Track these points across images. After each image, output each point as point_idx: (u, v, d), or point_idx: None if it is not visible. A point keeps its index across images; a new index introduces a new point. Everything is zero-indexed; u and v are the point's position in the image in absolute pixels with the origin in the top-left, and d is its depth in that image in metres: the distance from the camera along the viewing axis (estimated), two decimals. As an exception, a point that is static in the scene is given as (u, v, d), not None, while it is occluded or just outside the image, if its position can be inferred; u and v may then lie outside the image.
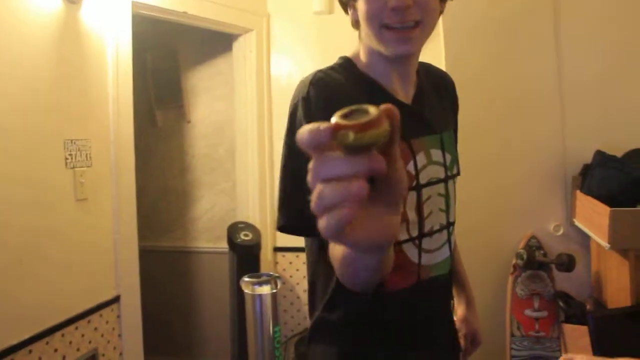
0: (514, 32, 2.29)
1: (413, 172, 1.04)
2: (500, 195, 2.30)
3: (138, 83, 2.60)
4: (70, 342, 2.06)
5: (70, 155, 2.09)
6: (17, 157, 1.87)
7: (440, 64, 2.16)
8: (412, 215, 1.04)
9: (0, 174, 1.81)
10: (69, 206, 2.09)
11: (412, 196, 1.04)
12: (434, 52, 2.12)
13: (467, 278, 1.42)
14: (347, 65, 1.10)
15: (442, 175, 1.10)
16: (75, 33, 2.13)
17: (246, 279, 0.94)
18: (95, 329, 2.18)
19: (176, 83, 3.57)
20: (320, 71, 1.05)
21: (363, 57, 1.10)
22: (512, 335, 2.21)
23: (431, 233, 1.08)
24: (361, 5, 1.01)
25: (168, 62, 3.58)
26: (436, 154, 1.09)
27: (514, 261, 2.23)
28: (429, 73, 1.22)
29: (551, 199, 2.30)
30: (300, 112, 0.98)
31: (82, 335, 2.11)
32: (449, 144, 1.16)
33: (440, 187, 1.10)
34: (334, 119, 0.45)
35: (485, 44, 2.31)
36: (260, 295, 0.93)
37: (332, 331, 1.11)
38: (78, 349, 2.09)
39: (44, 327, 1.94)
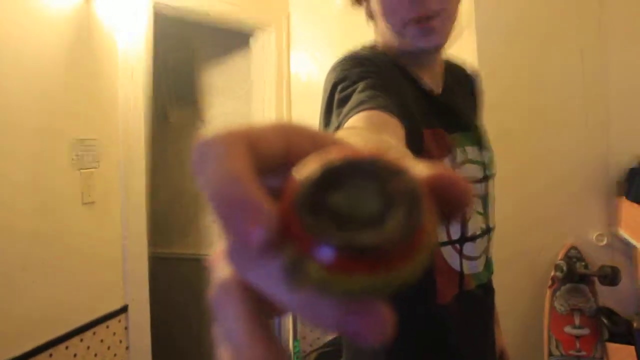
0: (558, 31, 2.22)
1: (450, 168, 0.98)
2: (538, 202, 2.24)
3: (152, 81, 2.59)
4: (75, 355, 2.03)
5: (77, 155, 2.07)
6: (22, 157, 1.86)
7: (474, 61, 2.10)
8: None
9: (4, 175, 1.79)
10: (75, 210, 2.07)
11: None
12: (464, 44, 2.06)
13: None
14: (374, 50, 1.05)
15: (480, 175, 1.06)
16: (85, 29, 2.12)
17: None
18: (102, 340, 2.15)
19: (191, 81, 3.58)
20: (360, 50, 1.02)
21: (384, 48, 1.06)
22: (551, 354, 2.14)
23: (474, 238, 1.02)
24: (376, 1, 0.99)
25: (183, 59, 3.59)
26: (473, 152, 1.05)
27: (552, 273, 2.17)
28: (450, 67, 1.18)
29: (593, 207, 2.23)
30: (340, 70, 0.92)
31: (88, 348, 2.09)
32: (486, 141, 1.12)
33: (479, 188, 1.06)
34: (300, 186, 0.22)
35: (525, 43, 2.24)
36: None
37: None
38: (83, 362, 2.07)
39: (48, 339, 1.91)
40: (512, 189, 2.13)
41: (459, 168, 1.01)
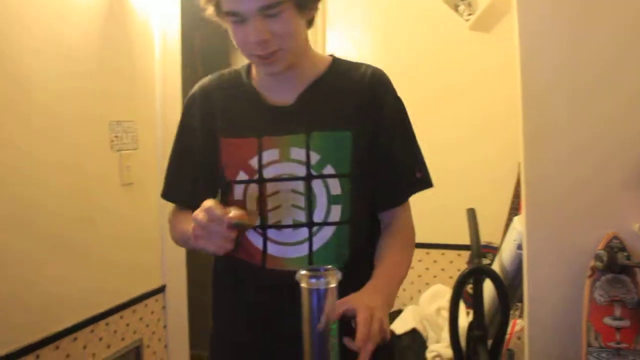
0: (596, 15, 2.20)
1: (256, 167, 1.22)
2: (578, 189, 2.23)
3: (186, 63, 2.65)
4: (115, 331, 2.14)
5: (116, 137, 2.16)
6: (61, 139, 1.93)
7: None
8: (251, 205, 1.23)
9: (44, 157, 1.86)
10: (114, 191, 2.17)
11: (253, 188, 1.22)
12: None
13: (388, 273, 1.21)
14: (235, 73, 1.35)
15: (300, 174, 1.21)
16: (120, 11, 2.19)
17: (303, 271, 0.96)
18: (141, 318, 2.26)
19: (226, 63, 3.61)
20: (212, 75, 1.36)
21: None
22: (589, 345, 2.15)
23: (279, 226, 1.22)
24: (230, 33, 1.23)
25: (218, 41, 3.61)
26: (297, 153, 1.22)
27: (592, 263, 2.16)
28: (344, 75, 1.31)
29: (636, 194, 2.22)
30: (187, 105, 1.36)
31: (127, 325, 2.20)
32: (321, 144, 1.23)
33: (298, 185, 1.21)
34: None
35: (568, 27, 2.24)
36: (317, 290, 0.95)
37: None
38: (123, 339, 2.17)
39: (89, 315, 2.02)
40: (552, 178, 2.15)
41: (268, 167, 1.22)
